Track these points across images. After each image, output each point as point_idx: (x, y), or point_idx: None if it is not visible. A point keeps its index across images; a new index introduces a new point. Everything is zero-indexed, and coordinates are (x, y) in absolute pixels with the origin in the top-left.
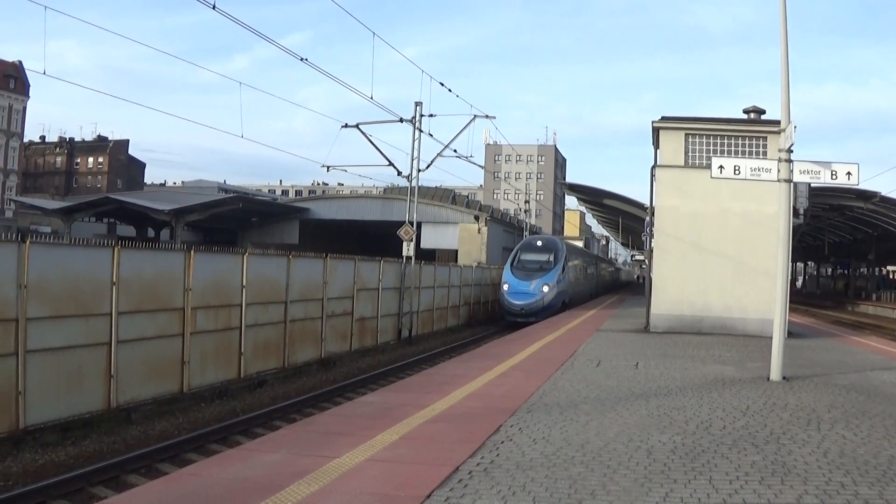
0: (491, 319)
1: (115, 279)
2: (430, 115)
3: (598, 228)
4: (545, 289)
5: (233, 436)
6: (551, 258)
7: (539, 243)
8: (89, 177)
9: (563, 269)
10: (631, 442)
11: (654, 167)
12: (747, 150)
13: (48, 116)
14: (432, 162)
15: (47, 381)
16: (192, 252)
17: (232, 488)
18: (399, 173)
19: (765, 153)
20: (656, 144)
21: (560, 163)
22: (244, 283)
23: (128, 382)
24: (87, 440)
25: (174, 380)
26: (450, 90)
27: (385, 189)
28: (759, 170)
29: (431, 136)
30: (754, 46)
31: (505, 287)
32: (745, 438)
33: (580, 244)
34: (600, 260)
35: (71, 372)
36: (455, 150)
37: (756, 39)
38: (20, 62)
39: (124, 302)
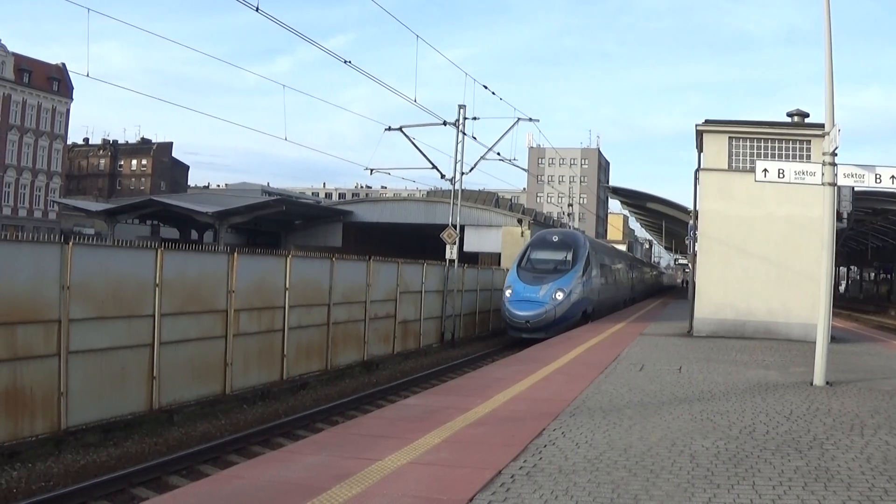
0: None
1: (158, 281)
2: (474, 118)
3: (641, 232)
4: (558, 295)
5: (275, 438)
6: (569, 256)
7: (555, 238)
8: (133, 179)
9: (585, 270)
10: (674, 446)
11: (697, 170)
12: (791, 153)
13: (91, 119)
14: (476, 165)
15: (89, 382)
16: (236, 254)
17: (274, 490)
18: (442, 176)
19: (808, 156)
20: (700, 148)
21: (603, 166)
22: (287, 286)
23: (170, 384)
24: (128, 441)
25: (217, 381)
26: (493, 93)
27: (428, 192)
28: (803, 173)
29: (475, 138)
30: (798, 49)
31: (507, 293)
32: (789, 443)
33: (623, 247)
34: (638, 262)
35: (113, 373)
36: (498, 153)
37: (800, 42)
38: (63, 64)
39: (167, 303)
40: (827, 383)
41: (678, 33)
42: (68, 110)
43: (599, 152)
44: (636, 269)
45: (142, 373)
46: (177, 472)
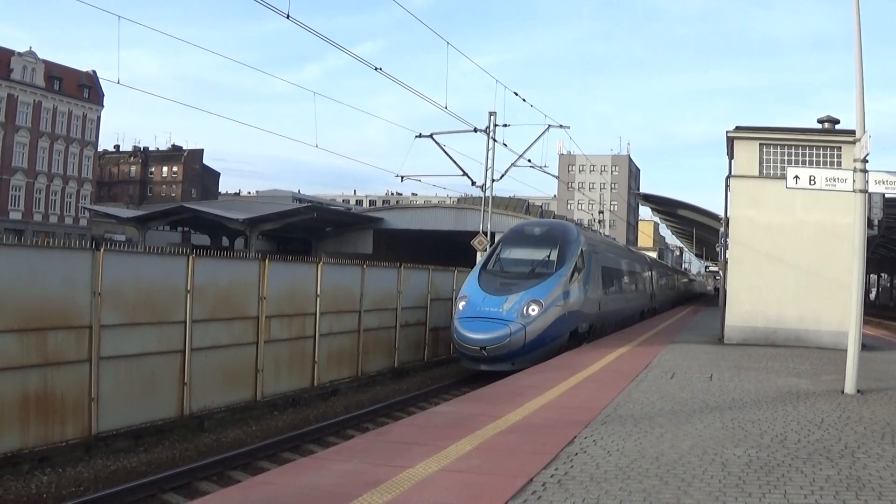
0: None
1: (189, 287)
2: (504, 125)
3: (671, 239)
4: (531, 309)
5: (305, 444)
6: (553, 255)
7: (536, 231)
8: (163, 186)
9: (577, 273)
10: (705, 455)
11: (728, 177)
12: (822, 160)
13: (122, 126)
14: (506, 172)
15: (120, 387)
16: (267, 261)
17: (305, 497)
18: (473, 183)
19: (839, 163)
20: (731, 154)
21: (634, 173)
22: (318, 292)
23: (201, 390)
24: (159, 447)
25: (248, 388)
26: (524, 99)
27: (458, 199)
28: (834, 180)
29: (505, 145)
30: (828, 54)
31: (460, 305)
32: (820, 452)
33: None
34: (660, 265)
35: (144, 379)
36: (529, 160)
37: (829, 47)
38: (94, 72)
39: (199, 310)
40: (858, 391)
41: (707, 39)
42: (99, 117)
43: (630, 159)
44: (658, 273)
45: (173, 379)
46: (207, 479)
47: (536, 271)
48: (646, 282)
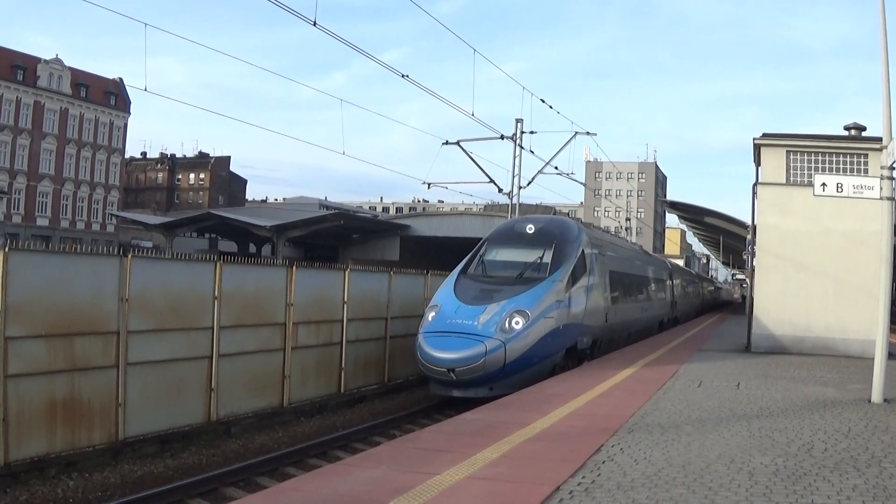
0: None
1: (216, 294)
2: (531, 132)
3: (698, 247)
4: (514, 322)
5: (332, 451)
6: (547, 257)
7: (528, 228)
8: (191, 193)
9: (577, 278)
10: (732, 463)
11: (755, 185)
12: (849, 167)
13: (149, 133)
14: (533, 179)
15: (147, 393)
16: (294, 267)
17: (331, 503)
18: (500, 190)
19: (866, 170)
20: (758, 162)
21: (661, 180)
22: (345, 299)
23: (228, 396)
24: (185, 452)
25: (275, 394)
26: (550, 106)
27: (485, 206)
28: (861, 187)
29: (532, 152)
30: (854, 61)
31: (429, 316)
32: (847, 461)
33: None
34: (682, 270)
35: (171, 385)
36: (556, 167)
37: (855, 54)
38: (121, 79)
39: (226, 316)
40: (885, 400)
41: (733, 46)
42: (126, 124)
43: (657, 166)
44: (679, 280)
45: (200, 385)
46: (234, 484)
47: (525, 276)
48: (666, 289)
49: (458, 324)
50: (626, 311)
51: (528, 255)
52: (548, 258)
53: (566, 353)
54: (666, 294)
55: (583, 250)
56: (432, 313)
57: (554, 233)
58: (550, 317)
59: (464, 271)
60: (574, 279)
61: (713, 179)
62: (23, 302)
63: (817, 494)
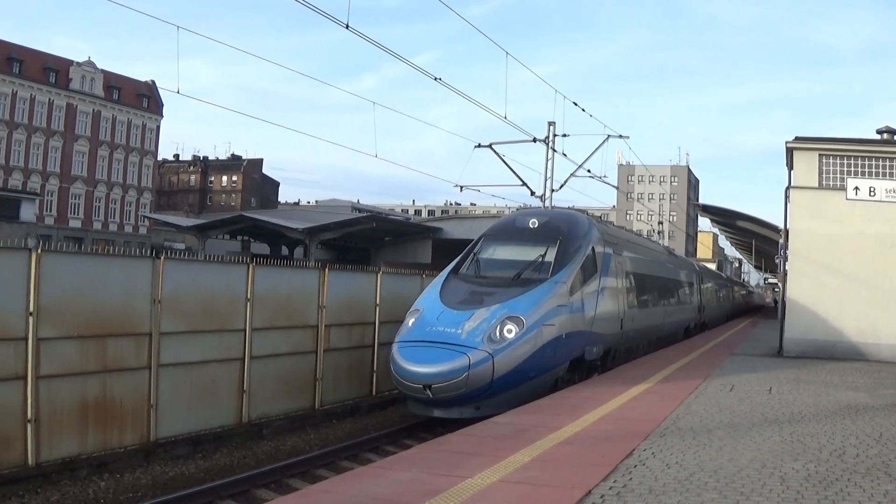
0: None
1: (249, 295)
2: (564, 135)
3: (731, 251)
4: (506, 331)
5: (364, 453)
6: (551, 255)
7: (531, 223)
8: (223, 195)
9: (581, 279)
10: (764, 468)
11: (788, 188)
12: (881, 170)
13: (181, 135)
14: (566, 182)
15: (179, 394)
16: (326, 270)
17: None
18: (532, 193)
19: None
20: (790, 165)
21: (693, 183)
22: (377, 301)
23: (260, 398)
24: (217, 454)
25: (306, 396)
26: (583, 109)
27: (517, 209)
28: (893, 191)
29: (565, 155)
30: (885, 64)
31: (409, 322)
32: (879, 467)
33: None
34: (710, 272)
35: (203, 386)
36: (588, 170)
37: (886, 57)
38: (153, 81)
39: (258, 318)
40: None
41: (764, 49)
42: (158, 126)
43: (689, 169)
44: (707, 282)
45: (232, 386)
46: (265, 486)
47: (524, 277)
48: (692, 292)
49: (438, 332)
50: (645, 317)
51: (529, 253)
52: (551, 256)
53: (571, 365)
54: (692, 298)
55: (593, 248)
56: (412, 319)
57: (560, 228)
58: (551, 324)
59: (455, 271)
60: (582, 281)
61: (745, 183)
62: (55, 303)
63: (849, 500)
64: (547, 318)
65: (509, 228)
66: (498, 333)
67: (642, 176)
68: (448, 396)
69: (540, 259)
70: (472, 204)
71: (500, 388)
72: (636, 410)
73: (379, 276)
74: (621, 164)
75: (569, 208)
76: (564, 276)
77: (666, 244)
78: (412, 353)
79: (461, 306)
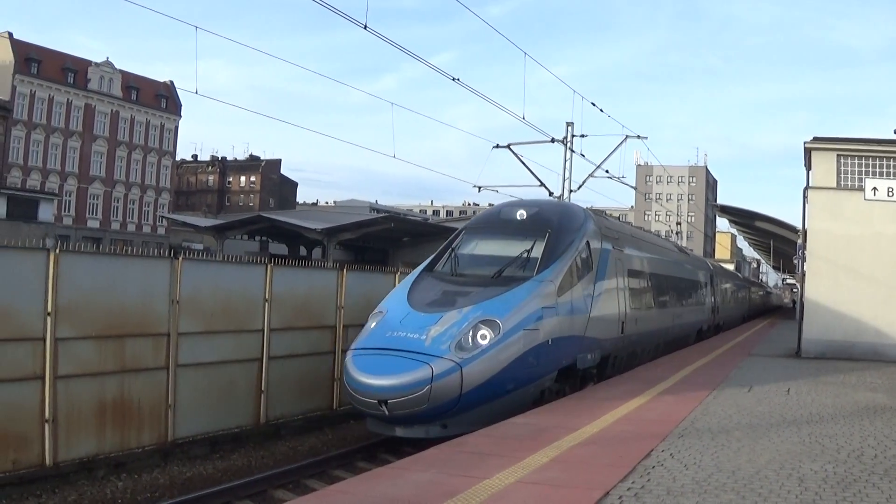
0: None
1: (267, 296)
2: (582, 136)
3: (749, 251)
4: (479, 336)
5: (382, 454)
6: (539, 250)
7: (518, 214)
8: (241, 195)
9: (574, 277)
10: (782, 469)
11: (806, 189)
12: None
13: (200, 135)
14: (584, 182)
15: (197, 395)
16: (345, 270)
17: None
18: (550, 194)
19: None
20: (808, 166)
21: (711, 184)
22: None
23: (278, 398)
24: (235, 454)
25: (324, 397)
26: (601, 110)
27: None
28: None
29: (583, 156)
30: None
31: (371, 325)
32: None
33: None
34: (724, 271)
35: (221, 387)
36: (607, 171)
37: None
38: (171, 82)
39: (276, 319)
40: None
41: (782, 49)
42: (176, 127)
43: (707, 170)
44: (722, 282)
45: (250, 387)
46: (283, 486)
47: (506, 275)
48: (706, 292)
49: (399, 338)
50: (650, 320)
51: (514, 248)
52: (538, 252)
53: (561, 375)
54: (706, 298)
55: (587, 243)
56: (373, 322)
57: (550, 220)
58: (534, 328)
59: (429, 268)
60: (573, 279)
61: (764, 183)
62: (73, 303)
63: (867, 501)
64: (528, 321)
65: (493, 220)
66: (469, 340)
67: (660, 176)
68: (407, 413)
69: (525, 255)
70: (490, 204)
71: (472, 403)
72: (654, 411)
73: (397, 276)
74: (639, 165)
75: (587, 208)
76: (552, 273)
77: (684, 244)
78: (367, 362)
79: (430, 308)
